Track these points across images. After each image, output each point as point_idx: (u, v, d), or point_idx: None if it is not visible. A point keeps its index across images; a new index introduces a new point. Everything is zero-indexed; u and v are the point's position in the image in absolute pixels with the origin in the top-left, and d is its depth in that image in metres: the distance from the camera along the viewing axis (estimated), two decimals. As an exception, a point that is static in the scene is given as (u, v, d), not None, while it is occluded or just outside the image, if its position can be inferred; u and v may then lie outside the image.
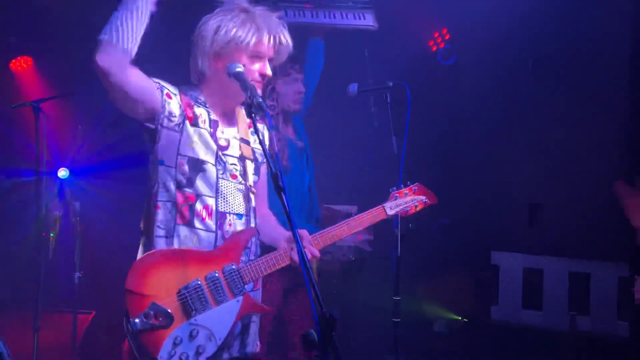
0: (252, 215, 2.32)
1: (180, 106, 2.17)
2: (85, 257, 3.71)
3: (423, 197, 2.62)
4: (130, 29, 1.94)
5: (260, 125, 2.08)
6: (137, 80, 2.03)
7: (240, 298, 2.16)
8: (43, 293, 3.56)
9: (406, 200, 2.57)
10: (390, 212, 2.51)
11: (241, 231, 2.24)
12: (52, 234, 3.77)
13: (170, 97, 2.14)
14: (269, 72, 2.24)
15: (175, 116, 2.15)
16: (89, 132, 4.97)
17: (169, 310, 2.01)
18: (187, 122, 2.17)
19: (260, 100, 1.91)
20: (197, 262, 2.12)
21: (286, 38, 2.26)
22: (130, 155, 3.82)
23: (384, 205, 2.51)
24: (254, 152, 2.36)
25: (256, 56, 2.20)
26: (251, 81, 2.11)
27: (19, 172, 4.56)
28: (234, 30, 2.14)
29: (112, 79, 1.94)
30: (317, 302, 1.64)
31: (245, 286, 2.17)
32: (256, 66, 2.20)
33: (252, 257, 2.28)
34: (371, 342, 4.27)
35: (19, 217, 4.62)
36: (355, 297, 4.37)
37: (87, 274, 3.70)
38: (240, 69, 2.07)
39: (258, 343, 2.32)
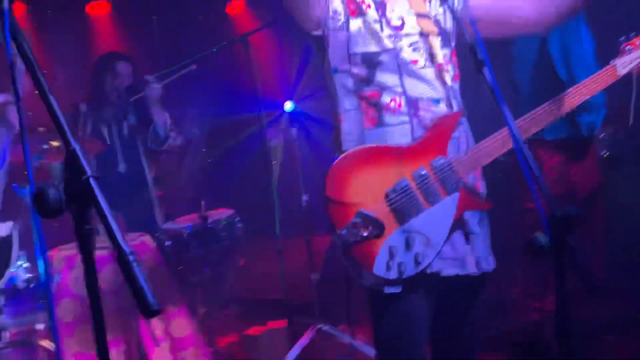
0: (451, 97, 1.97)
1: (343, 1, 1.93)
2: (309, 181, 3.73)
3: None
4: None
5: None
6: None
7: (456, 195, 1.85)
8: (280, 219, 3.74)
9: None
10: (623, 71, 1.95)
11: (443, 117, 1.91)
12: (273, 162, 3.87)
13: None
14: None
15: (339, 13, 1.92)
16: (303, 61, 5.01)
17: (379, 218, 1.79)
18: (351, 17, 1.92)
19: None
20: (400, 159, 1.85)
21: None
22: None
23: (614, 62, 1.95)
24: (437, 23, 2.01)
25: None
26: None
27: (242, 108, 4.78)
28: None
29: None
30: (544, 197, 1.29)
31: (460, 181, 1.86)
32: None
33: (461, 147, 1.96)
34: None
35: (246, 150, 4.92)
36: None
37: (312, 197, 3.73)
38: None
39: (492, 259, 1.97)
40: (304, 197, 3.73)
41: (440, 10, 2.02)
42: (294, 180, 3.82)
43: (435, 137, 1.88)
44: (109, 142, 3.87)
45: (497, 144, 1.86)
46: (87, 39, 5.21)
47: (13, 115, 1.77)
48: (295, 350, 3.41)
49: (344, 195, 1.80)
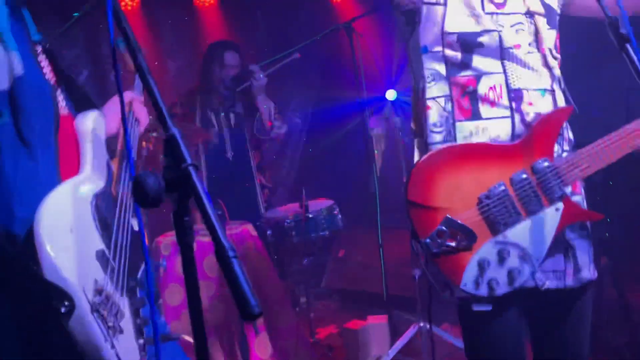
0: (558, 88, 1.72)
1: None
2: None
3: None
4: None
5: None
6: None
7: (560, 205, 1.59)
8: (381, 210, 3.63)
9: None
10: None
11: (552, 112, 1.66)
12: (376, 151, 3.76)
13: None
14: None
15: None
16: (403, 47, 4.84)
17: (469, 226, 1.56)
18: None
19: None
20: (497, 160, 1.61)
21: None
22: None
23: None
24: (542, 1, 1.73)
25: None
26: None
27: (343, 96, 4.71)
28: None
29: None
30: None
31: (565, 188, 1.60)
32: None
33: (566, 148, 1.71)
34: None
35: (348, 139, 4.84)
36: None
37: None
38: None
39: (593, 267, 1.70)
40: (407, 189, 3.59)
41: None
42: (397, 171, 3.69)
43: (539, 135, 1.62)
44: (217, 130, 3.94)
45: (618, 145, 1.57)
46: (195, 31, 5.34)
47: (139, 110, 1.79)
48: (396, 347, 3.30)
49: (430, 199, 1.59)
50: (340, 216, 3.78)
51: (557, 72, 1.74)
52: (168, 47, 5.30)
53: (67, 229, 1.21)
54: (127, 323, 1.30)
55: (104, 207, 1.42)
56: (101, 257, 1.31)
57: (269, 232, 3.68)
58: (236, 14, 5.45)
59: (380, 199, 3.68)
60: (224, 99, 4.02)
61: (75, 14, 4.77)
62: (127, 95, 1.78)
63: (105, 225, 1.39)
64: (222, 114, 3.99)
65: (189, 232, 0.90)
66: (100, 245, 1.34)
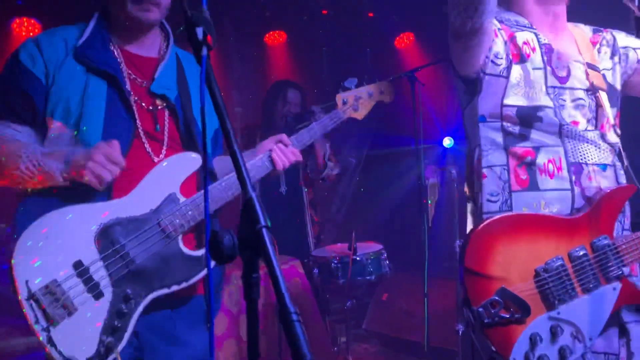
0: (619, 165, 1.73)
1: (506, 42, 1.70)
2: (463, 225, 3.58)
3: None
4: None
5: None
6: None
7: (618, 285, 1.59)
8: (428, 258, 3.63)
9: None
10: None
11: (614, 189, 1.65)
12: (429, 201, 3.77)
13: (496, 35, 1.69)
14: None
15: (501, 58, 1.69)
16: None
17: (524, 299, 1.56)
18: (513, 62, 1.69)
19: None
20: (555, 233, 1.61)
21: None
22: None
23: None
24: (604, 77, 1.75)
25: None
26: None
27: (399, 141, 4.76)
28: None
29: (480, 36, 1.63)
30: None
31: (624, 268, 1.60)
32: None
33: (627, 227, 1.70)
34: None
35: (401, 184, 4.86)
36: None
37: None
38: None
39: None
40: (457, 242, 3.59)
41: (609, 63, 1.79)
42: (449, 222, 3.70)
43: (601, 211, 1.62)
44: (274, 163, 4.05)
45: None
46: (262, 66, 5.53)
47: None
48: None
49: (486, 268, 1.59)
50: (387, 262, 3.80)
51: (618, 147, 1.75)
52: (235, 78, 5.50)
53: (41, 237, 1.62)
54: (80, 316, 1.62)
55: (120, 232, 1.69)
56: (76, 264, 1.63)
57: (315, 271, 3.73)
58: (303, 53, 5.63)
59: (429, 248, 3.69)
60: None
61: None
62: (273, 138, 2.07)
63: (109, 244, 1.67)
64: None
65: (256, 289, 0.97)
66: (82, 257, 1.64)
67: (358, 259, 3.66)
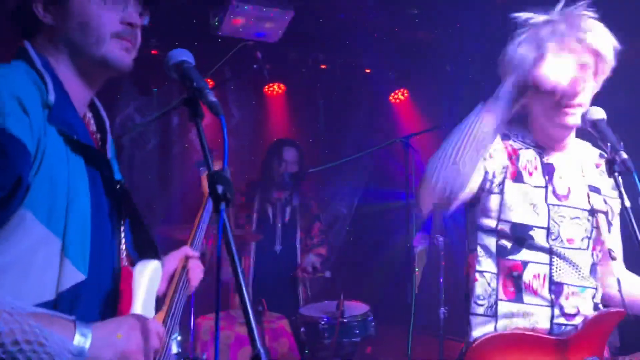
0: (599, 287, 1.82)
1: (509, 156, 1.80)
2: (449, 292, 3.69)
3: None
4: None
5: None
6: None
7: None
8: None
9: None
10: None
11: (605, 313, 1.76)
12: (417, 269, 3.87)
13: (491, 157, 1.77)
14: None
15: (496, 176, 1.78)
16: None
17: None
18: (509, 179, 1.78)
19: (625, 157, 1.51)
20: (546, 352, 1.72)
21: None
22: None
23: None
24: (605, 202, 1.84)
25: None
26: None
27: (391, 195, 4.87)
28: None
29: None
30: None
31: None
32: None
33: (613, 350, 1.83)
34: None
35: (388, 239, 4.96)
36: None
37: (452, 311, 3.66)
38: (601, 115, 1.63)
39: None
40: (442, 310, 3.69)
41: (614, 193, 1.84)
42: (434, 288, 3.79)
43: (591, 334, 1.72)
44: (272, 222, 4.16)
45: None
46: (260, 115, 5.67)
47: (193, 269, 1.79)
48: None
49: None
50: (373, 323, 3.88)
51: (603, 271, 1.84)
52: (232, 125, 5.61)
53: None
54: None
55: None
56: None
57: (302, 330, 3.79)
58: (300, 104, 5.77)
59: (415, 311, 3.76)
60: (282, 193, 4.26)
61: (155, 90, 5.16)
62: (182, 251, 1.75)
63: None
64: (279, 207, 4.22)
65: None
66: None
67: (345, 321, 3.73)
